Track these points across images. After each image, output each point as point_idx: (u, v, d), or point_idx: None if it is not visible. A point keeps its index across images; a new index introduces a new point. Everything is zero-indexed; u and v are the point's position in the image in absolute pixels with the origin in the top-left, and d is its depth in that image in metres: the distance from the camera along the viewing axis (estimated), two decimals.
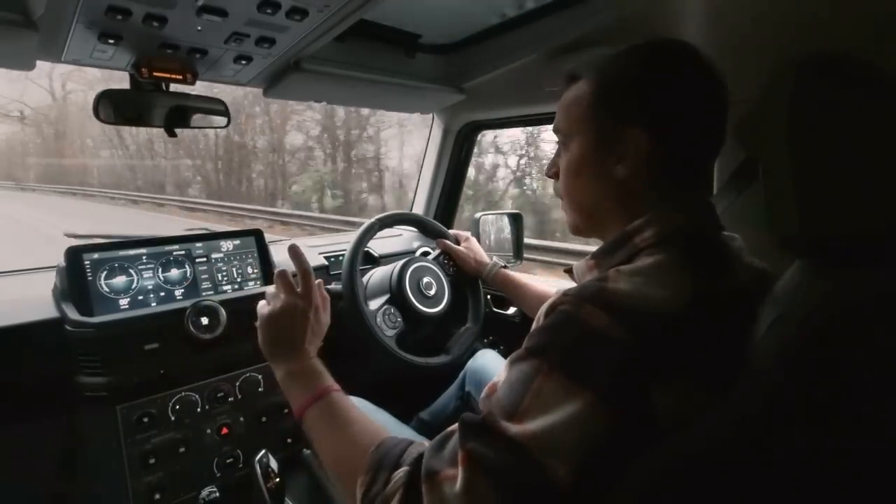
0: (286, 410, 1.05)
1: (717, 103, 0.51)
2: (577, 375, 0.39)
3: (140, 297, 0.93)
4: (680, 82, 0.50)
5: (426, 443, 0.48)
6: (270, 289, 0.68)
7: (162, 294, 0.96)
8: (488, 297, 1.39)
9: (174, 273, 0.98)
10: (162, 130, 0.95)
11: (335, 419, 0.58)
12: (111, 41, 0.75)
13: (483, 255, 1.18)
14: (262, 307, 0.67)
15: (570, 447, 0.38)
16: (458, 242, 1.21)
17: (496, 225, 1.38)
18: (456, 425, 0.45)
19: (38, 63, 0.82)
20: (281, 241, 1.43)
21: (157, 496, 0.88)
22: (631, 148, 0.50)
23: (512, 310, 1.36)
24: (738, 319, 0.43)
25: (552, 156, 0.62)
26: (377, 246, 1.35)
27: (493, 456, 0.39)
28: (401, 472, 0.45)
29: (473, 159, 1.67)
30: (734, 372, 0.40)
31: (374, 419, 0.84)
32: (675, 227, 0.49)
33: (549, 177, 0.61)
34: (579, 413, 0.38)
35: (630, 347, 0.39)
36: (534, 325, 0.49)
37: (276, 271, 0.68)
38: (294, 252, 0.69)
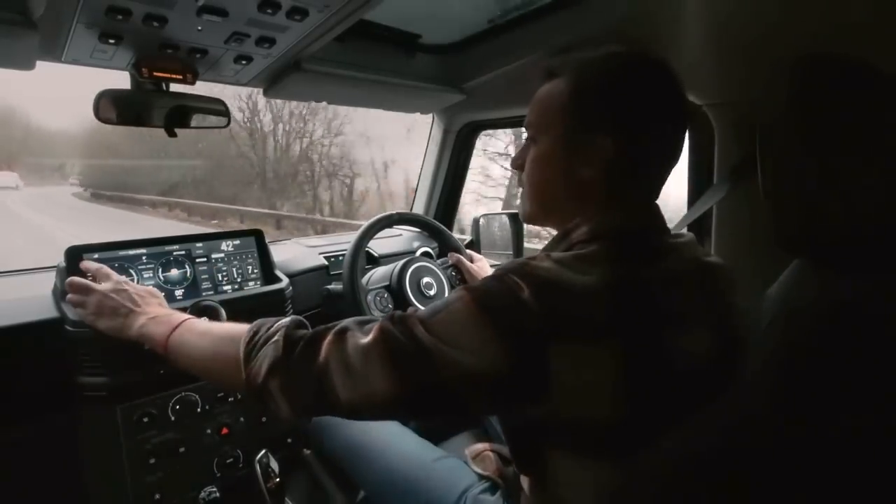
0: None
1: (682, 120, 0.55)
2: (490, 314, 0.45)
3: None
4: (653, 97, 0.53)
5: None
6: (72, 296, 0.76)
7: (162, 294, 0.95)
8: None
9: (174, 273, 0.98)
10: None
11: (205, 327, 0.65)
12: (111, 41, 0.75)
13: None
14: (82, 298, 0.74)
15: (465, 365, 0.44)
16: (470, 259, 1.23)
17: (496, 225, 1.39)
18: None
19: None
20: (281, 241, 1.43)
21: (157, 496, 0.88)
22: (598, 152, 0.53)
23: None
24: (658, 305, 0.47)
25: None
26: (377, 246, 1.35)
27: (401, 339, 0.47)
28: (283, 320, 0.56)
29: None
30: (645, 348, 0.45)
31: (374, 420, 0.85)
32: (609, 226, 0.53)
33: (515, 168, 0.63)
34: (481, 342, 0.44)
35: (537, 315, 0.44)
36: None
37: (67, 281, 0.76)
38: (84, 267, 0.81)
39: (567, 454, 0.48)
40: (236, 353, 0.55)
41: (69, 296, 0.76)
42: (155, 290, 0.77)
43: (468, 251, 1.26)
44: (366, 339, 0.49)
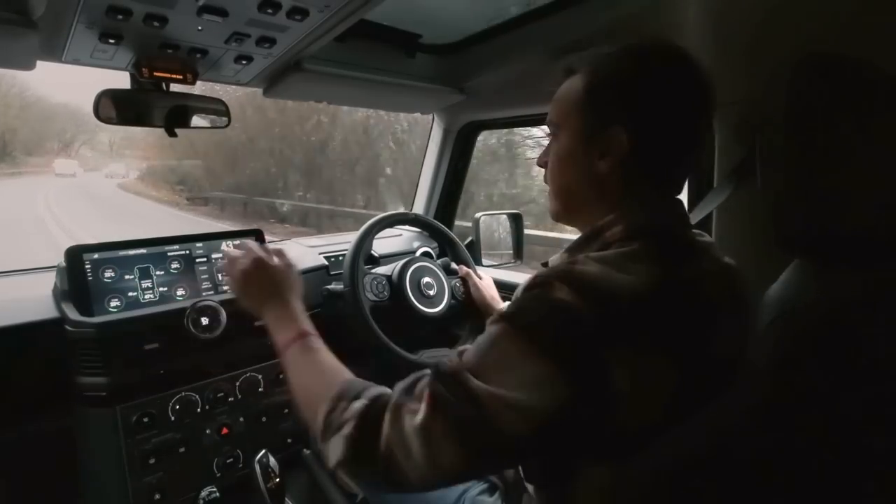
0: (286, 410, 1.05)
1: (703, 109, 0.53)
2: (539, 341, 0.42)
3: (140, 298, 0.93)
4: (668, 87, 0.51)
5: (388, 389, 0.52)
6: (234, 252, 0.75)
7: (162, 294, 0.96)
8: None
9: (174, 273, 0.98)
10: None
11: (314, 356, 0.64)
12: (112, 41, 0.75)
13: (497, 298, 1.17)
14: (240, 262, 0.72)
15: (528, 407, 0.41)
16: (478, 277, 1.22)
17: (496, 225, 1.39)
18: (426, 370, 0.49)
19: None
20: (280, 241, 1.43)
21: (157, 496, 0.88)
22: (613, 145, 0.52)
23: None
24: (701, 304, 0.46)
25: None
26: (377, 246, 1.35)
27: (455, 403, 0.43)
28: (358, 403, 0.50)
29: None
30: (695, 349, 0.43)
31: None
32: (643, 223, 0.52)
33: (540, 166, 0.63)
34: (539, 375, 0.41)
35: (591, 320, 0.41)
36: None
37: (222, 250, 0.78)
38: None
39: (583, 460, 0.47)
40: (320, 411, 0.53)
41: (222, 261, 0.79)
42: (291, 273, 0.75)
43: (480, 270, 1.24)
44: (420, 416, 0.44)
